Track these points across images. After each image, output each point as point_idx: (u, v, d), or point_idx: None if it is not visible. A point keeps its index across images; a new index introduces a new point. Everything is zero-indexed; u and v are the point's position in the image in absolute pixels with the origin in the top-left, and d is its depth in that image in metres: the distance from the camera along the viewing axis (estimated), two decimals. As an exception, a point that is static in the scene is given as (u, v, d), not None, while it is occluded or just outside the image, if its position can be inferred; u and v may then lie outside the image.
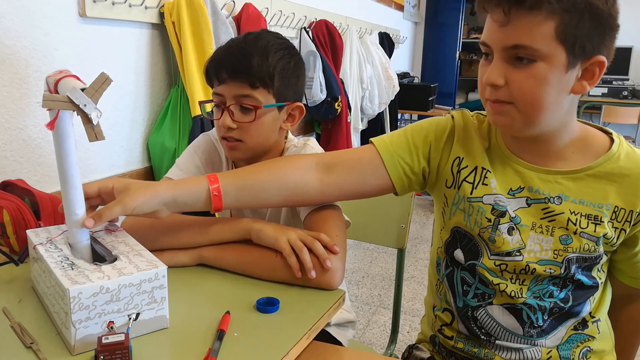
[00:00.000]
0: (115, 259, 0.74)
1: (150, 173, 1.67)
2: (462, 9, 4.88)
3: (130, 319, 0.69)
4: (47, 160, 1.32)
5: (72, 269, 0.70)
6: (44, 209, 0.98)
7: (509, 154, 0.90)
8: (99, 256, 0.81)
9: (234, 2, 1.87)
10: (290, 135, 1.13)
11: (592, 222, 0.86)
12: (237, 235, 0.94)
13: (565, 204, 0.87)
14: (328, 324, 1.14)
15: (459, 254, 0.95)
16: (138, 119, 1.62)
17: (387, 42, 3.76)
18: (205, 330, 0.73)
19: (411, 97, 4.06)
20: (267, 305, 0.81)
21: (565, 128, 0.85)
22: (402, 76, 4.22)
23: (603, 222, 0.86)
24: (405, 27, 4.68)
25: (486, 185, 0.90)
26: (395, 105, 3.85)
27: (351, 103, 3.04)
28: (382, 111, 3.57)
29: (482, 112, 0.95)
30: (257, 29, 1.92)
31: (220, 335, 0.71)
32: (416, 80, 4.77)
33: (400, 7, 4.43)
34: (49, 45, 1.28)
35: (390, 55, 3.76)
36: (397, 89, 3.56)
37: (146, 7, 1.54)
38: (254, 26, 1.90)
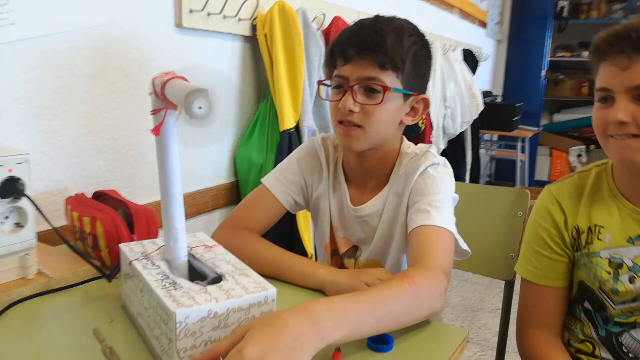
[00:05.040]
0: (220, 279, 0.67)
1: (236, 188, 1.62)
2: (549, 26, 4.63)
3: (236, 350, 0.61)
4: (139, 171, 1.29)
5: (175, 288, 0.63)
6: (138, 222, 0.93)
7: (625, 202, 0.93)
8: (197, 274, 0.74)
9: (324, 15, 1.82)
10: (405, 140, 1.03)
11: None
12: (312, 286, 0.88)
13: None
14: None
15: (587, 306, 0.98)
16: (227, 133, 1.58)
17: (470, 59, 3.61)
18: (316, 367, 0.64)
19: (494, 117, 3.85)
20: (379, 344, 0.70)
21: None
22: (484, 95, 4.03)
23: None
24: (487, 45, 4.50)
25: (600, 240, 0.94)
26: (478, 124, 3.66)
27: (433, 121, 2.91)
28: (464, 131, 3.40)
29: (580, 171, 1.00)
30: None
31: (335, 375, 0.61)
32: (498, 99, 4.55)
33: (483, 24, 4.26)
34: (145, 54, 1.27)
35: (473, 73, 3.60)
36: (482, 107, 3.39)
37: (239, 19, 1.50)
38: (343, 39, 1.83)
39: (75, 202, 1.02)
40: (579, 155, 4.99)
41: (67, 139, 1.12)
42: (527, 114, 4.38)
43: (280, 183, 1.04)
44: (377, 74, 0.90)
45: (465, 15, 3.76)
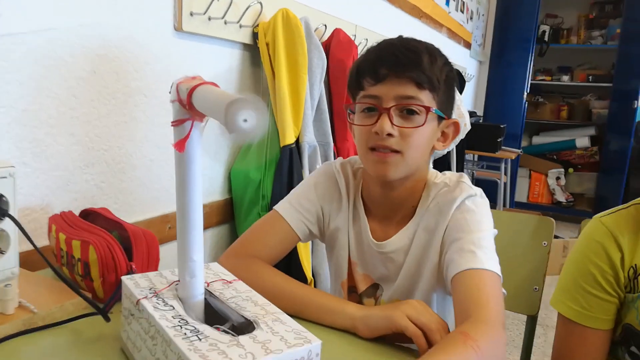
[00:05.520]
0: (251, 326, 0.56)
1: (230, 205, 1.50)
2: (531, 49, 4.67)
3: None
4: (129, 186, 1.16)
5: (199, 338, 0.52)
6: (137, 248, 0.81)
7: None
8: (215, 315, 0.63)
9: (325, 26, 1.73)
10: (430, 168, 0.94)
11: None
12: (340, 325, 0.77)
13: None
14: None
15: (635, 351, 0.89)
16: (222, 146, 1.46)
17: (458, 79, 3.58)
18: None
19: (479, 137, 3.82)
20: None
21: None
22: (469, 115, 4.01)
23: None
24: (470, 65, 4.50)
25: None
26: (463, 145, 3.62)
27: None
28: (450, 150, 3.36)
29: (635, 203, 0.90)
30: (348, 57, 1.78)
31: None
32: (480, 120, 4.54)
33: (468, 45, 4.26)
34: (140, 58, 1.15)
35: (460, 93, 3.57)
36: (469, 127, 3.35)
37: (241, 26, 1.40)
38: (345, 52, 1.75)
39: (62, 222, 0.89)
40: (558, 178, 5.02)
41: (53, 148, 0.99)
42: (509, 135, 4.38)
43: (295, 210, 0.94)
44: (415, 93, 0.82)
45: (452, 35, 3.74)
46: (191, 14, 1.24)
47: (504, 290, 0.83)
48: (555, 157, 5.10)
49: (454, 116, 0.91)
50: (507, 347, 2.38)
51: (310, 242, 1.55)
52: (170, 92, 0.59)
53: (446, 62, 0.86)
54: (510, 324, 2.68)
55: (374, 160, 0.85)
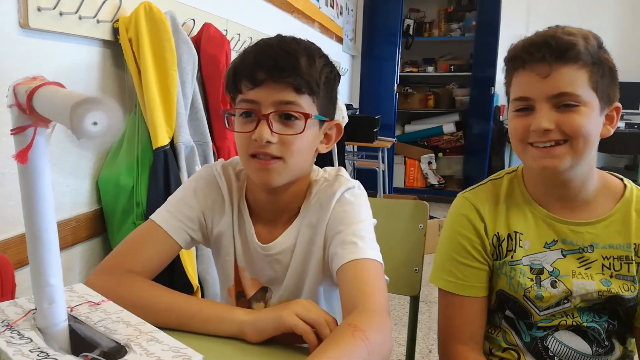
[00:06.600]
0: (123, 350, 0.51)
1: (101, 216, 1.39)
2: (398, 42, 4.91)
3: None
4: (-24, 205, 1.03)
5: (61, 374, 0.46)
6: (-15, 275, 0.71)
7: (538, 208, 0.94)
8: (83, 343, 0.57)
9: (193, 20, 1.66)
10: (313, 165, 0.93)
11: (624, 263, 0.91)
12: (228, 332, 0.75)
13: (597, 251, 0.92)
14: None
15: (509, 314, 0.97)
16: (86, 152, 1.35)
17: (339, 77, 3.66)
18: None
19: (356, 129, 3.96)
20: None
21: (591, 174, 0.92)
22: (346, 107, 4.13)
23: (633, 260, 0.91)
24: (344, 60, 4.63)
25: (522, 247, 0.94)
26: (343, 137, 3.72)
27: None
28: (330, 143, 3.43)
29: (491, 178, 1.01)
30: (220, 52, 1.73)
31: None
32: (356, 113, 4.70)
33: (340, 40, 4.38)
34: (-21, 60, 1.01)
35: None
36: (347, 120, 3.45)
37: (98, 21, 1.29)
38: (217, 48, 1.69)
39: None
40: (429, 163, 5.36)
41: None
42: (383, 125, 4.58)
43: (174, 218, 0.88)
44: (295, 99, 0.80)
45: (325, 30, 3.82)
46: (39, 9, 1.11)
47: (386, 277, 0.85)
48: (425, 143, 5.43)
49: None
50: (395, 327, 2.49)
51: (194, 248, 1.48)
52: (7, 96, 0.52)
53: (326, 63, 0.85)
54: (397, 304, 2.80)
55: (256, 168, 0.83)
